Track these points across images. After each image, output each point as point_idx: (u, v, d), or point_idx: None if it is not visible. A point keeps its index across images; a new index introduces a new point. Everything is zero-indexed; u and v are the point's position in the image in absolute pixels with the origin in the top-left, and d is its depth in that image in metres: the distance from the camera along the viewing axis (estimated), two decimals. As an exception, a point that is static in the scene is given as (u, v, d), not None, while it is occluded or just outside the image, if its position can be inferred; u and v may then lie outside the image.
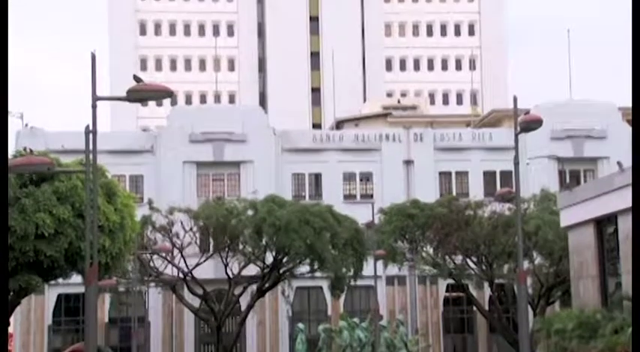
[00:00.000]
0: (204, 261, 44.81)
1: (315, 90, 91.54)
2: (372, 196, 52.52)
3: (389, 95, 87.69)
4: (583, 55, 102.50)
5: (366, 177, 54.42)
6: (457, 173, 54.59)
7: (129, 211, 27.63)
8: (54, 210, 25.39)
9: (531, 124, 21.41)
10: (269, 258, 43.69)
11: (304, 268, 43.84)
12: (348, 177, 54.34)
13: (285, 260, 43.25)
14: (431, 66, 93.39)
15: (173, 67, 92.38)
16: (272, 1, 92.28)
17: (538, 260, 42.95)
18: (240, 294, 45.34)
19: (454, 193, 51.67)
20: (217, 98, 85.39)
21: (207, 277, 45.82)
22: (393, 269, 46.96)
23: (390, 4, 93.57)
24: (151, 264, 44.71)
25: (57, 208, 25.44)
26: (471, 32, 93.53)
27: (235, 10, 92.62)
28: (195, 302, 46.35)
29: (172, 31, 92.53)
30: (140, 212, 35.64)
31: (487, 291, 47.79)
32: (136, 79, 18.24)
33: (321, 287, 50.21)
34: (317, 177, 54.28)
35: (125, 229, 27.14)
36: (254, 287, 45.11)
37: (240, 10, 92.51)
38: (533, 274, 42.15)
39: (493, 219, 42.95)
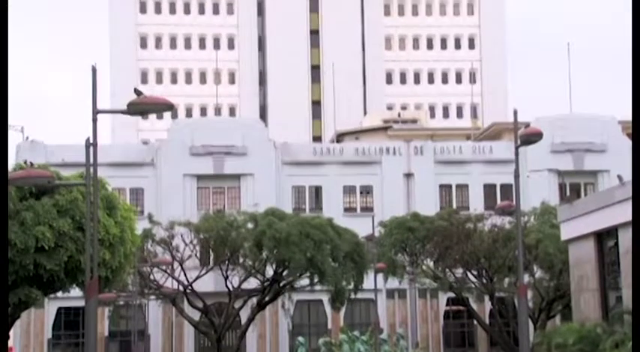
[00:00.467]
0: (205, 274, 44.77)
1: (316, 104, 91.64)
2: (372, 209, 52.50)
3: (389, 108, 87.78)
4: (583, 68, 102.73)
5: (367, 190, 54.44)
6: (457, 186, 54.61)
7: (129, 224, 27.59)
8: (54, 224, 25.36)
9: (532, 137, 21.43)
10: (269, 271, 43.66)
11: (304, 281, 43.81)
12: (349, 190, 54.36)
13: (285, 273, 43.21)
14: (431, 79, 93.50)
15: (174, 79, 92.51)
16: (272, 15, 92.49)
17: (538, 273, 42.92)
18: (241, 307, 45.28)
19: (454, 206, 51.69)
20: (218, 111, 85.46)
21: (207, 290, 45.77)
22: (393, 283, 46.93)
23: (391, 18, 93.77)
24: (151, 277, 44.67)
25: (57, 221, 25.41)
26: (471, 45, 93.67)
27: (236, 23, 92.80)
28: (196, 315, 46.28)
29: (173, 44, 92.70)
30: (140, 225, 35.62)
31: (488, 305, 47.74)
32: (137, 92, 18.24)
33: (321, 301, 50.15)
34: (317, 190, 54.30)
35: (125, 242, 27.09)
36: (254, 300, 45.05)
37: (241, 23, 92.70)
38: (533, 288, 42.10)
39: (493, 233, 42.94)
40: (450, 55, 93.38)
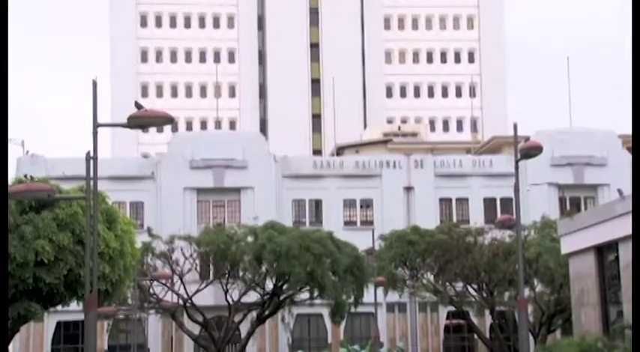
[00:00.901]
0: (204, 287, 44.71)
1: (316, 117, 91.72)
2: (372, 223, 52.47)
3: (389, 122, 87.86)
4: (583, 82, 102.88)
5: (367, 204, 54.43)
6: (457, 199, 54.60)
7: (129, 238, 27.54)
8: (54, 237, 25.31)
9: (531, 151, 21.42)
10: (269, 285, 43.59)
11: (304, 295, 43.73)
12: (349, 204, 54.35)
13: (285, 287, 43.15)
14: (431, 93, 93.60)
15: (174, 93, 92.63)
16: (273, 28, 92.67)
17: (539, 287, 42.85)
18: (240, 321, 45.18)
19: (454, 220, 51.67)
20: (218, 124, 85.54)
21: (207, 304, 45.68)
22: (393, 296, 46.85)
23: (391, 32, 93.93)
24: (151, 290, 44.60)
25: (57, 235, 25.37)
26: (471, 59, 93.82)
27: (236, 37, 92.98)
28: (195, 329, 46.19)
29: (173, 57, 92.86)
30: (140, 238, 35.60)
31: (488, 319, 47.64)
32: (137, 105, 18.26)
33: (321, 315, 50.06)
34: (317, 204, 54.29)
35: (125, 256, 27.04)
36: (254, 314, 44.97)
37: (241, 37, 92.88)
38: (534, 302, 42.02)
39: (493, 246, 42.91)
40: (449, 69, 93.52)
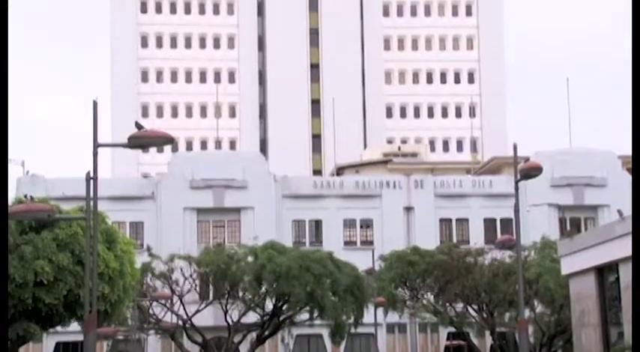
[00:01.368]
0: (204, 308, 44.59)
1: (316, 137, 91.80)
2: (372, 243, 52.43)
3: (389, 142, 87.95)
4: (583, 102, 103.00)
5: (367, 224, 54.39)
6: (457, 220, 54.57)
7: (129, 258, 27.49)
8: (53, 258, 25.27)
9: (531, 172, 21.45)
10: (269, 305, 43.49)
11: (304, 315, 43.61)
12: (349, 224, 54.32)
13: (285, 307, 43.04)
14: (431, 113, 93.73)
15: (174, 113, 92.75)
16: (273, 49, 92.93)
17: (539, 308, 42.74)
18: (240, 342, 45.04)
19: (454, 240, 51.61)
20: (218, 144, 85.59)
21: (206, 324, 45.55)
22: (393, 317, 46.72)
23: (390, 52, 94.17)
24: (151, 311, 44.48)
25: (56, 255, 25.32)
26: (471, 80, 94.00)
27: (237, 57, 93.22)
28: (195, 349, 46.01)
29: (174, 77, 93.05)
30: (140, 258, 35.54)
31: (488, 340, 47.49)
32: (138, 125, 18.29)
33: (321, 335, 49.90)
34: (317, 224, 54.26)
35: (125, 276, 26.99)
36: (254, 334, 44.83)
37: (242, 57, 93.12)
38: (534, 322, 41.90)
39: (494, 267, 42.83)
40: (449, 89, 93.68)
